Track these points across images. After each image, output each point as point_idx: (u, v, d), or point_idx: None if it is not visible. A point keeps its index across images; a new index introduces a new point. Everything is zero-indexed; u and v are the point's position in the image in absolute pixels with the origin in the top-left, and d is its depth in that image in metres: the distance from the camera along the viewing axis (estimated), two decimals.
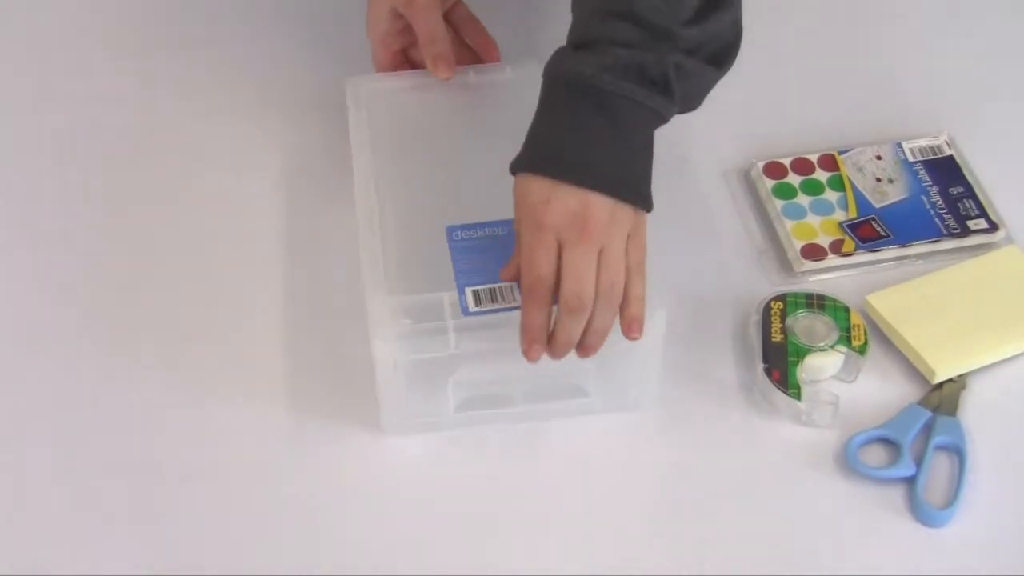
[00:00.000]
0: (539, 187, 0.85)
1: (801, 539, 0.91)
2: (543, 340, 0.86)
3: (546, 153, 0.87)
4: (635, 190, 0.87)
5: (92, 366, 0.99)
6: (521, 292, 0.86)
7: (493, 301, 0.89)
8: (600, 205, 0.85)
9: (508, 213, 0.88)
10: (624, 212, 0.86)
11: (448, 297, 0.89)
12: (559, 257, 0.85)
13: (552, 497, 0.93)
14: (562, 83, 0.88)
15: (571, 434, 0.95)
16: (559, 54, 0.90)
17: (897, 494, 0.92)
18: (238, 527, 0.91)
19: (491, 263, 0.90)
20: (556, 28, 0.92)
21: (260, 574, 0.88)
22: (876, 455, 0.94)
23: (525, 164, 0.87)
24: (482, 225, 0.93)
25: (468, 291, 0.89)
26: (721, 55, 0.90)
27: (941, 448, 0.94)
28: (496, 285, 0.89)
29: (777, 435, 0.96)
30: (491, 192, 0.91)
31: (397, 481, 0.93)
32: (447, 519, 0.91)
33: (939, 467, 0.94)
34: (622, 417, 0.96)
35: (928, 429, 0.95)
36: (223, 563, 0.89)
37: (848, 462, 0.93)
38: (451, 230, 0.93)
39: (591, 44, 0.87)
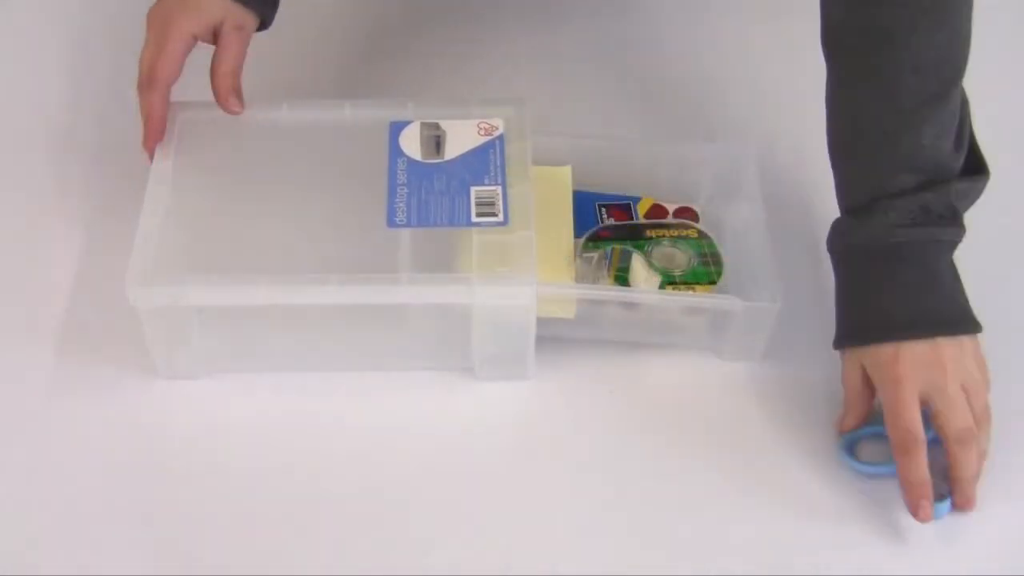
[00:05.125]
0: (884, 351, 0.90)
1: (798, 535, 0.91)
2: (928, 495, 0.88)
3: (878, 320, 0.91)
4: (967, 318, 0.92)
5: None
6: (895, 450, 0.89)
7: None
8: (949, 345, 0.90)
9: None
10: (967, 342, 0.91)
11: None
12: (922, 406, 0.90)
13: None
14: (857, 252, 0.93)
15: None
16: (840, 226, 0.94)
17: (894, 488, 0.92)
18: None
19: None
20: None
21: None
22: (872, 451, 0.95)
23: (861, 338, 0.92)
24: None
25: None
26: (976, 157, 0.95)
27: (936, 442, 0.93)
28: None
29: (773, 428, 0.96)
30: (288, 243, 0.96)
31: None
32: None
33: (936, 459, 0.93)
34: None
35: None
36: None
37: (841, 459, 0.94)
38: None
39: (870, 206, 0.91)
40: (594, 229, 1.02)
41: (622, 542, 0.91)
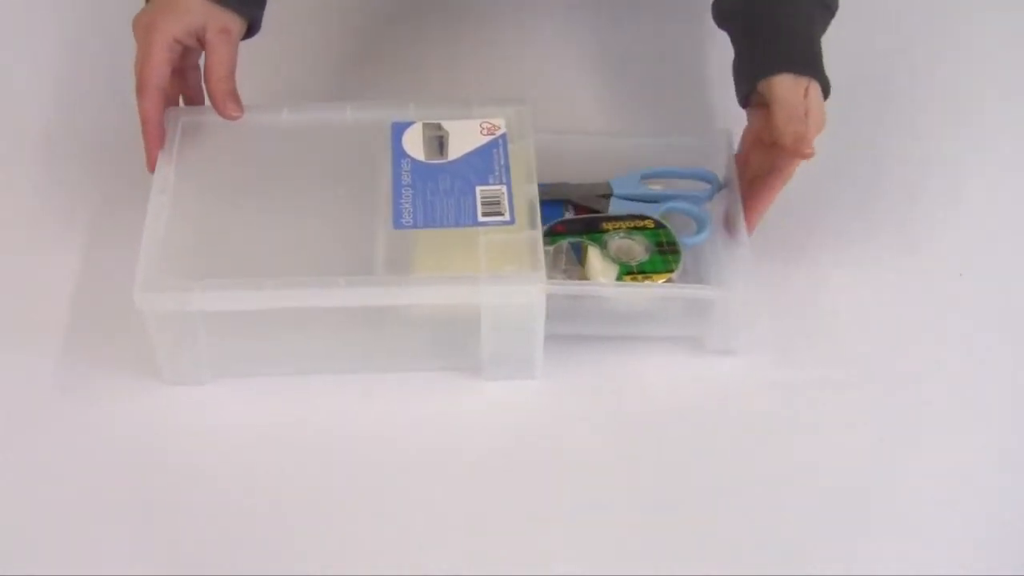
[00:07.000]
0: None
1: (807, 534, 0.92)
2: None
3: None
4: None
5: None
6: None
7: None
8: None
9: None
10: None
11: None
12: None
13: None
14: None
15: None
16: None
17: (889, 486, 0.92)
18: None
19: None
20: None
21: None
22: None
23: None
24: None
25: None
26: None
27: None
28: None
29: (780, 424, 0.97)
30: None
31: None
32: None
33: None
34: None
35: None
36: None
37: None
38: None
39: None
40: (549, 224, 1.02)
41: (633, 541, 0.91)
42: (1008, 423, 0.98)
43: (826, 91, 1.00)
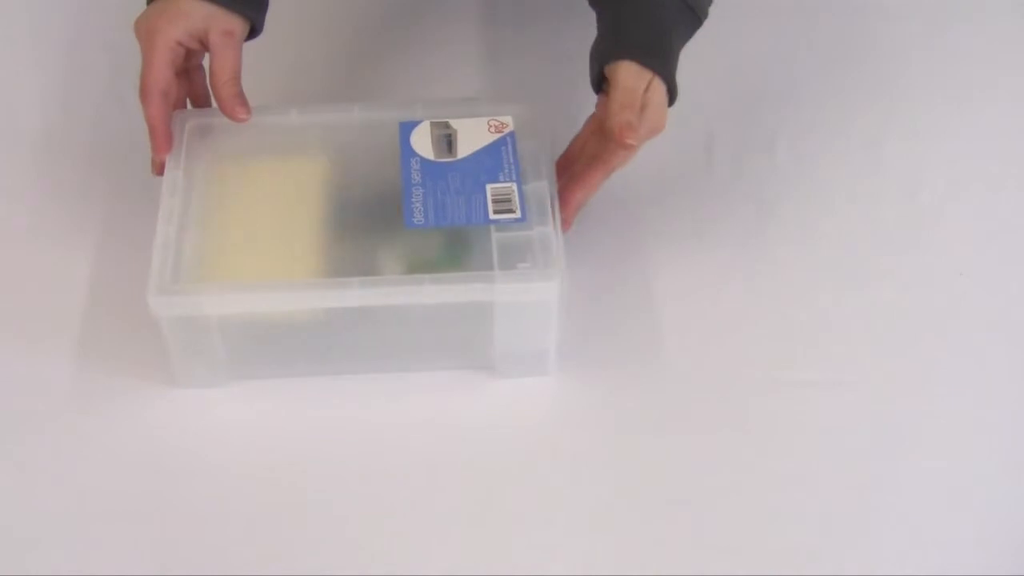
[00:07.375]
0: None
1: (817, 536, 0.92)
2: None
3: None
4: None
5: None
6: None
7: None
8: None
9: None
10: None
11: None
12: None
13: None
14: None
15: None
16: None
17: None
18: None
19: None
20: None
21: None
22: None
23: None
24: None
25: None
26: None
27: None
28: None
29: (797, 424, 0.97)
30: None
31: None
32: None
33: None
34: None
35: None
36: None
37: None
38: None
39: None
40: None
41: (636, 541, 0.91)
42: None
43: (672, 95, 0.99)
